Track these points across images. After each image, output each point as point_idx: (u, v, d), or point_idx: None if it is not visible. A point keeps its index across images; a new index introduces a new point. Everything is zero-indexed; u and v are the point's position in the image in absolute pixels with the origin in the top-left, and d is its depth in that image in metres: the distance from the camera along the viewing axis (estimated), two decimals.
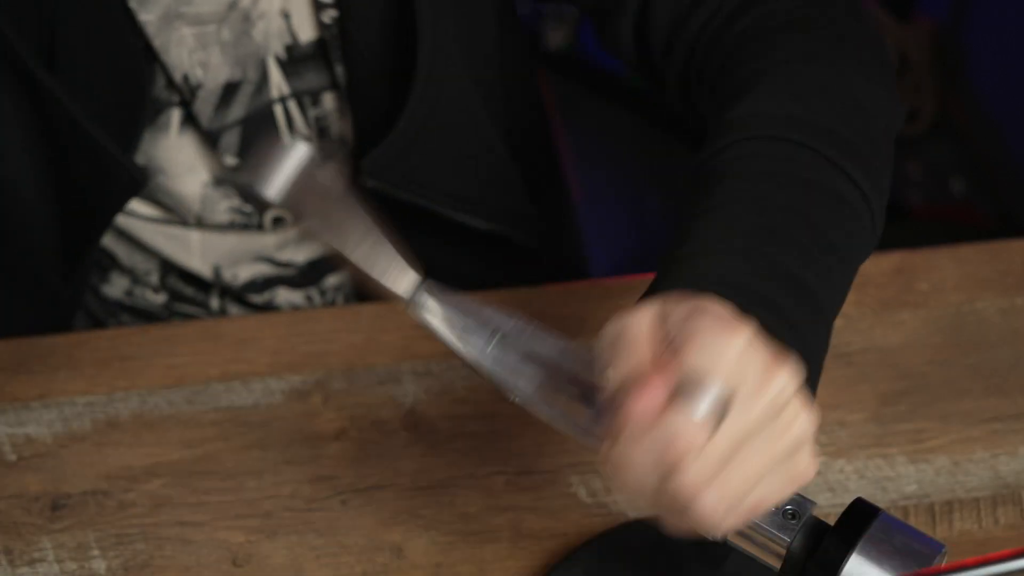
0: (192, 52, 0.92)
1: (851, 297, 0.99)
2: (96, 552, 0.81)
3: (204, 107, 0.95)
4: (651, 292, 0.64)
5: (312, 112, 0.97)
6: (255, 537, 0.82)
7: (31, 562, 0.81)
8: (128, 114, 0.93)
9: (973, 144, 2.15)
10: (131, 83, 0.93)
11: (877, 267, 1.01)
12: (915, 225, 2.06)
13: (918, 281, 1.00)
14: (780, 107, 0.71)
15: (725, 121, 0.71)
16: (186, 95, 0.94)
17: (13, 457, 0.86)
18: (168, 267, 1.05)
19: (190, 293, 1.07)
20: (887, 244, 1.10)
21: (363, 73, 0.94)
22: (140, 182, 0.94)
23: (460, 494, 0.85)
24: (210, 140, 0.97)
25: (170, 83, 0.94)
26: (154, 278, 1.06)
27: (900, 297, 0.99)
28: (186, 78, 0.93)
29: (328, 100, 0.97)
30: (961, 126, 2.18)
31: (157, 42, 0.91)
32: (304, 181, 0.61)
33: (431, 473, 0.86)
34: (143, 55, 0.92)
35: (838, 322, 0.98)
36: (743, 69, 0.74)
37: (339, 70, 0.95)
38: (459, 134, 0.98)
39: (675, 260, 0.65)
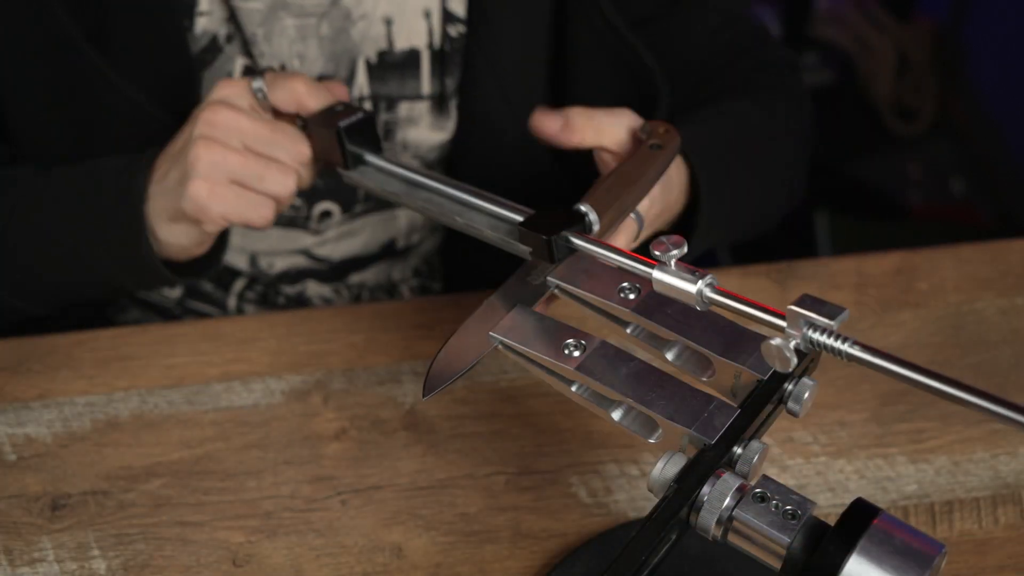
0: (292, 43, 0.95)
1: (851, 297, 0.99)
2: (96, 552, 0.81)
3: None
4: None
5: (384, 115, 1.01)
6: (255, 537, 0.82)
7: (31, 562, 0.81)
8: (180, 111, 0.94)
9: (973, 144, 2.15)
10: (184, 85, 0.94)
11: (877, 267, 1.01)
12: (915, 225, 2.06)
13: (918, 281, 1.00)
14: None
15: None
16: None
17: (13, 457, 0.86)
18: None
19: (208, 289, 1.07)
20: (887, 244, 1.10)
21: (481, 82, 0.99)
22: None
23: (460, 494, 0.85)
24: None
25: (253, 74, 0.96)
26: None
27: (900, 297, 0.99)
28: (282, 68, 0.96)
29: (403, 108, 1.01)
30: (961, 126, 2.18)
31: (261, 31, 0.95)
32: None
33: (431, 473, 0.86)
34: (195, 62, 0.94)
35: None
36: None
37: (449, 82, 1.00)
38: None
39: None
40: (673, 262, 0.64)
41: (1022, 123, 2.05)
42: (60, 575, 0.80)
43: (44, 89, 0.92)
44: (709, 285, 0.64)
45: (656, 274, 0.65)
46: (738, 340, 0.70)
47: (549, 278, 0.76)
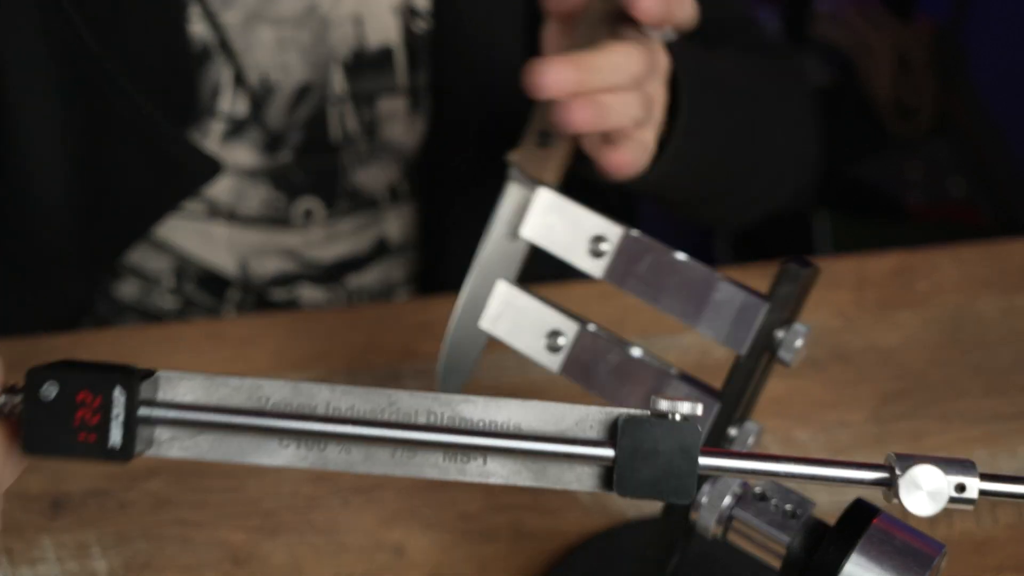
0: (273, 54, 0.94)
1: (851, 297, 0.99)
2: (96, 552, 0.81)
3: (277, 111, 0.96)
4: None
5: (366, 115, 1.00)
6: (255, 537, 0.82)
7: (31, 562, 0.81)
8: (177, 116, 0.94)
9: (973, 144, 2.15)
10: (182, 89, 0.93)
11: (877, 267, 1.01)
12: (915, 225, 2.06)
13: (918, 281, 1.00)
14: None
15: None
16: (260, 98, 0.95)
17: None
18: (183, 272, 1.05)
19: (207, 302, 1.07)
20: (887, 244, 1.10)
21: (452, 78, 0.97)
22: (217, 167, 0.94)
23: (460, 494, 0.85)
24: (275, 142, 0.98)
25: (240, 83, 0.95)
26: (168, 281, 1.06)
27: (900, 297, 0.99)
28: (263, 80, 0.95)
29: (384, 105, 0.99)
30: (961, 126, 2.18)
31: (239, 44, 0.93)
32: None
33: None
34: (198, 61, 0.93)
35: (837, 322, 0.98)
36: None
37: (421, 76, 0.98)
38: None
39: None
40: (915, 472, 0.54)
41: (1022, 123, 2.05)
42: (60, 575, 0.80)
43: (47, 92, 0.92)
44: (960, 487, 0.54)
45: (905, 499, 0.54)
46: (708, 298, 0.66)
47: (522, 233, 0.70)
